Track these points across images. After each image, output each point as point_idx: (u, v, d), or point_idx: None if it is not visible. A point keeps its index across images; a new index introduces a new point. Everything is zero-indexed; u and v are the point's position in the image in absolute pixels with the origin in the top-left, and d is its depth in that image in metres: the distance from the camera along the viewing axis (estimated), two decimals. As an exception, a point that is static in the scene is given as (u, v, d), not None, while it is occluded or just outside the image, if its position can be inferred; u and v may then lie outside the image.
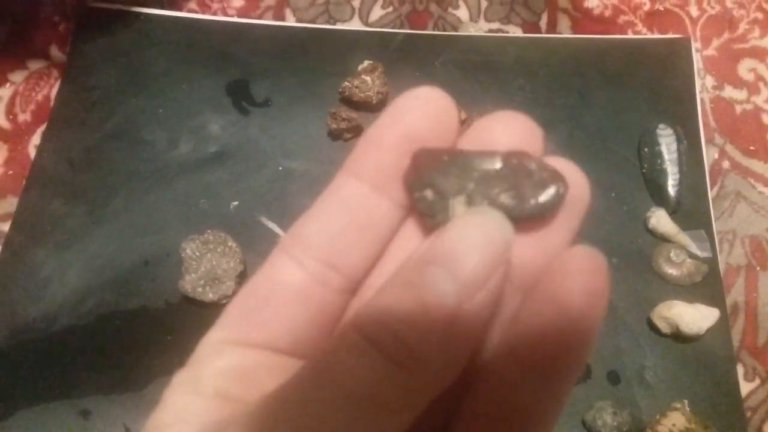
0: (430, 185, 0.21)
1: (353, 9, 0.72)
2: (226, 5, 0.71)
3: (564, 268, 0.19)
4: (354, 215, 0.21)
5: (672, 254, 0.57)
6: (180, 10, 0.70)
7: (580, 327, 0.19)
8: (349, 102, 0.63)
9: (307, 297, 0.21)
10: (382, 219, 0.22)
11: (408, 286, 0.18)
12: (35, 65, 0.68)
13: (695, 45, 0.70)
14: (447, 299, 0.17)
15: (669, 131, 0.62)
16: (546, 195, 0.20)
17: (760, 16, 0.73)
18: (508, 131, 0.21)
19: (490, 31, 0.71)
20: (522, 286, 0.20)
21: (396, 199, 0.22)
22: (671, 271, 0.57)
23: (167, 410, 0.21)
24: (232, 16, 0.70)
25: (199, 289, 0.54)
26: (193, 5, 0.71)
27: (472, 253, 0.18)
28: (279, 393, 0.19)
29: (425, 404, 0.18)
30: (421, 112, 0.21)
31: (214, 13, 0.71)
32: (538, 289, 0.19)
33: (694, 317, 0.54)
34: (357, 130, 0.62)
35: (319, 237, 0.21)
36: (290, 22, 0.71)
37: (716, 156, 0.65)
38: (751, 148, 0.66)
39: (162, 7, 0.70)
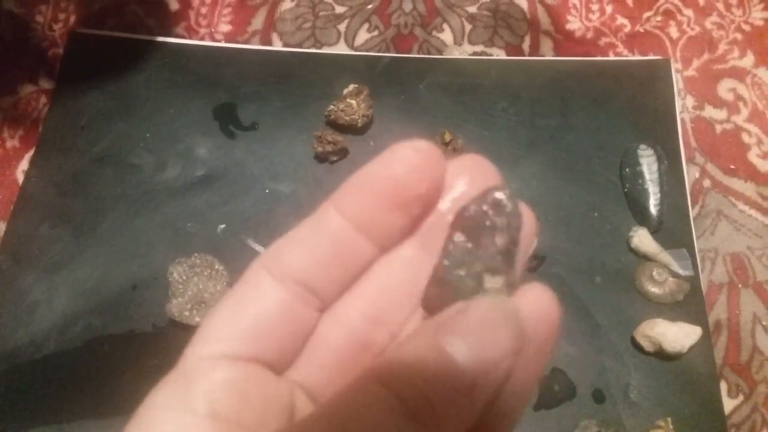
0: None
1: (339, 33, 0.73)
2: (213, 30, 0.72)
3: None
4: (337, 250, 0.23)
5: (654, 273, 0.58)
6: (168, 35, 0.71)
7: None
8: (334, 125, 0.64)
9: (292, 314, 0.23)
10: (361, 257, 0.24)
11: (433, 350, 0.20)
12: (24, 90, 0.69)
13: (675, 66, 0.72)
14: (466, 372, 0.20)
15: (650, 151, 0.63)
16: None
17: (739, 36, 0.74)
18: None
19: (474, 53, 0.72)
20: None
21: (375, 241, 0.24)
22: (654, 289, 0.58)
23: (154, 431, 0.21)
24: (219, 41, 0.71)
25: (186, 313, 0.55)
26: (180, 30, 0.72)
27: (495, 340, 0.21)
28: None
29: None
30: (410, 165, 0.23)
31: (202, 38, 0.71)
32: None
33: (677, 335, 0.54)
34: (342, 153, 0.63)
35: (301, 262, 0.23)
36: (277, 46, 0.71)
37: (697, 175, 0.66)
38: (732, 166, 0.67)
39: (150, 33, 0.71)
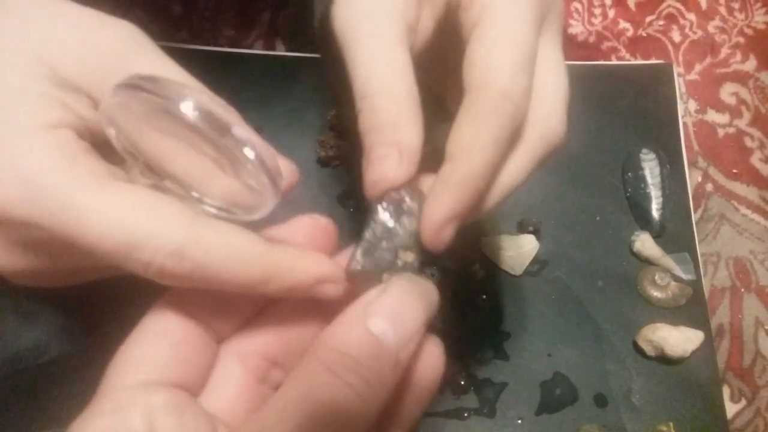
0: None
1: (342, 37, 0.73)
2: (217, 35, 0.73)
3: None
4: (235, 295, 0.27)
5: (657, 277, 0.58)
6: (171, 40, 0.71)
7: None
8: (337, 130, 0.64)
9: (198, 344, 0.27)
10: (256, 303, 0.29)
11: (364, 335, 0.24)
12: (29, 95, 0.69)
13: (678, 70, 0.72)
14: (393, 350, 0.24)
15: (652, 155, 0.63)
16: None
17: (741, 40, 0.74)
18: None
19: (477, 58, 0.72)
20: None
21: None
22: (656, 294, 0.58)
23: None
24: (222, 45, 0.72)
25: (189, 317, 0.55)
26: (184, 35, 0.72)
27: (411, 317, 0.25)
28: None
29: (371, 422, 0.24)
30: (310, 236, 0.29)
31: (205, 43, 0.72)
32: None
33: (679, 340, 0.54)
34: (345, 158, 0.63)
35: (202, 303, 0.27)
36: (280, 50, 0.72)
37: (699, 179, 0.66)
38: (734, 171, 0.67)
39: (154, 38, 0.71)
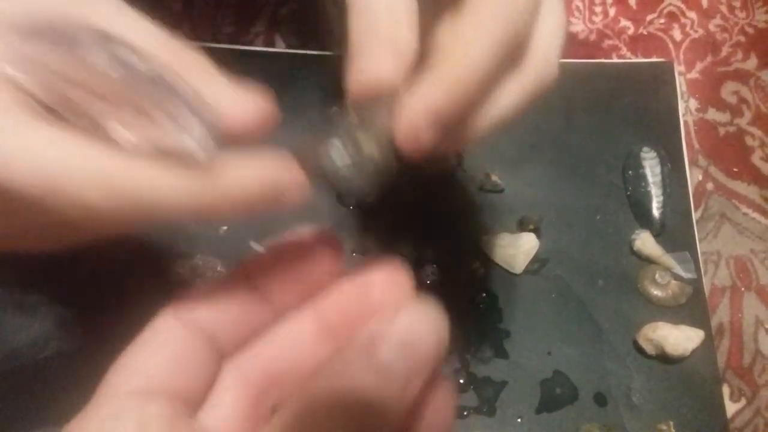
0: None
1: (342, 34, 0.73)
2: (216, 31, 0.72)
3: None
4: (240, 312, 0.27)
5: (657, 276, 0.58)
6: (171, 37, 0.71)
7: None
8: (337, 127, 0.64)
9: (200, 357, 0.26)
10: (261, 320, 0.28)
11: (370, 369, 0.22)
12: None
13: (679, 68, 0.71)
14: (399, 381, 0.22)
15: (653, 154, 0.63)
16: None
17: (742, 39, 0.74)
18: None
19: (477, 55, 0.72)
20: None
21: (274, 308, 0.28)
22: (656, 292, 0.58)
23: None
24: (222, 42, 0.71)
25: (188, 314, 0.55)
26: (184, 31, 0.72)
27: (422, 348, 0.23)
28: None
29: None
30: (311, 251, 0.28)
31: (205, 40, 0.71)
32: None
33: (679, 339, 0.54)
34: (345, 155, 0.63)
35: (209, 316, 0.26)
36: (280, 47, 0.72)
37: (700, 178, 0.66)
38: (735, 169, 0.67)
39: (153, 34, 0.71)
